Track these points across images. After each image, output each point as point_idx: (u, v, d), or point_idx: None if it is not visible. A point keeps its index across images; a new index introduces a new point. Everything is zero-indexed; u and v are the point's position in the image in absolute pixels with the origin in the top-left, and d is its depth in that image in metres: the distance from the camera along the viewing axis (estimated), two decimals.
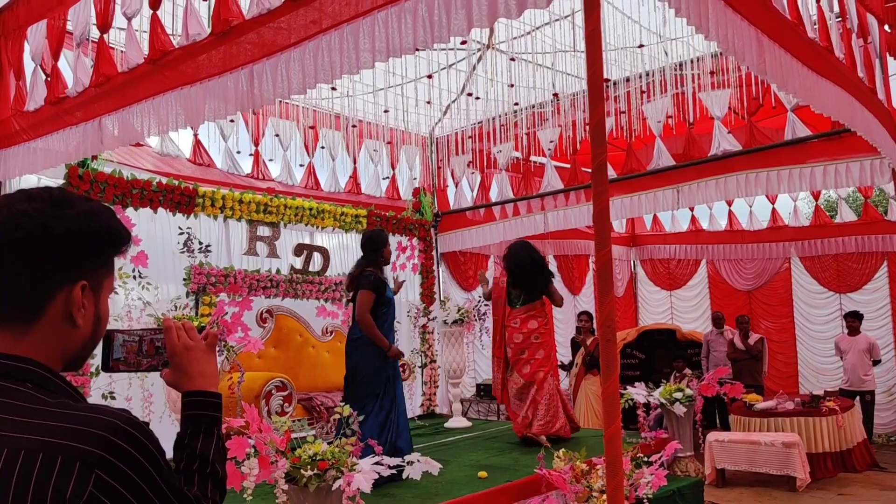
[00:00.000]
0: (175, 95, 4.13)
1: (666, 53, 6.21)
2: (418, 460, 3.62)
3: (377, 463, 3.35)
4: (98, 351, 1.31)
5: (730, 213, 11.67)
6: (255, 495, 3.43)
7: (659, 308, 12.88)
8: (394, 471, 3.52)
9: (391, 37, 3.16)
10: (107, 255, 1.22)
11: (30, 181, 5.80)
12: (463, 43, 5.72)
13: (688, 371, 9.27)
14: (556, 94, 6.72)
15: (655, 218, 12.47)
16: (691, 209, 11.79)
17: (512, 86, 6.38)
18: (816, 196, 10.80)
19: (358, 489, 3.19)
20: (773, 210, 11.27)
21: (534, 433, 6.09)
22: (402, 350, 5.35)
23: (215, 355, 1.41)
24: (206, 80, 3.96)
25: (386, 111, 7.25)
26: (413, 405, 8.07)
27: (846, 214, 10.84)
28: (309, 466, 3.27)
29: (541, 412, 6.17)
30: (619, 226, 12.46)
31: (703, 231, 12.02)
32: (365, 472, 3.23)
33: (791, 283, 11.42)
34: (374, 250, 5.14)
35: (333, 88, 6.66)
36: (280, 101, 7.12)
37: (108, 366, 1.36)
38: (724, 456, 7.43)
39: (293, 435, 3.59)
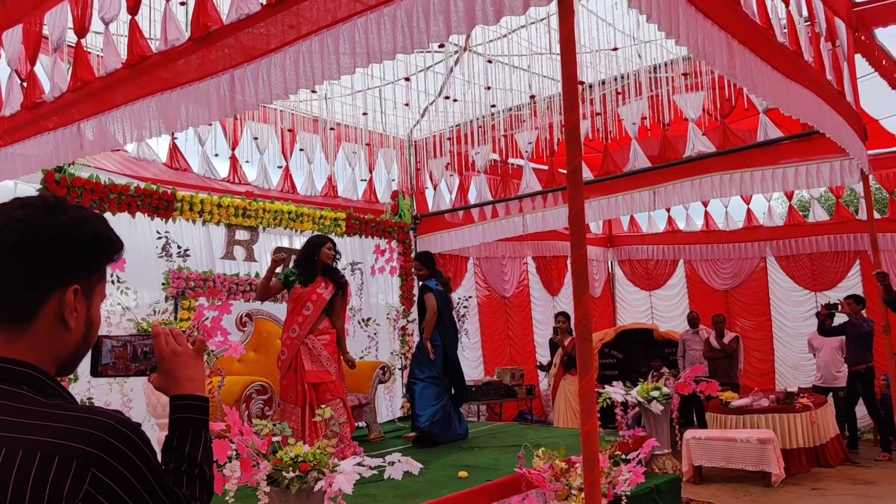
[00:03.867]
0: (154, 101, 4.13)
1: (640, 56, 6.30)
2: (399, 460, 3.66)
3: (359, 464, 3.38)
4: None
5: (706, 213, 11.83)
6: (238, 498, 3.44)
7: (639, 308, 13.02)
8: (375, 471, 3.55)
9: (371, 42, 3.19)
10: (99, 261, 1.25)
11: (6, 187, 5.77)
12: (441, 46, 5.77)
13: (665, 370, 9.39)
14: (532, 97, 6.80)
15: (632, 219, 12.60)
16: (668, 210, 11.94)
17: (489, 88, 6.44)
18: (790, 196, 10.97)
19: (340, 490, 3.22)
20: (749, 210, 11.44)
21: None
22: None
23: (202, 360, 1.44)
24: (185, 85, 3.97)
25: (364, 114, 7.29)
26: (394, 407, 8.11)
27: (819, 214, 11.03)
28: (291, 468, 3.29)
29: None
30: (595, 227, 12.58)
31: (680, 231, 12.18)
32: (346, 473, 3.26)
33: (767, 282, 11.61)
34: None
35: (313, 91, 6.68)
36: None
37: (97, 371, 1.39)
38: (701, 453, 7.54)
39: (274, 438, 3.62)
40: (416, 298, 6.59)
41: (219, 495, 3.32)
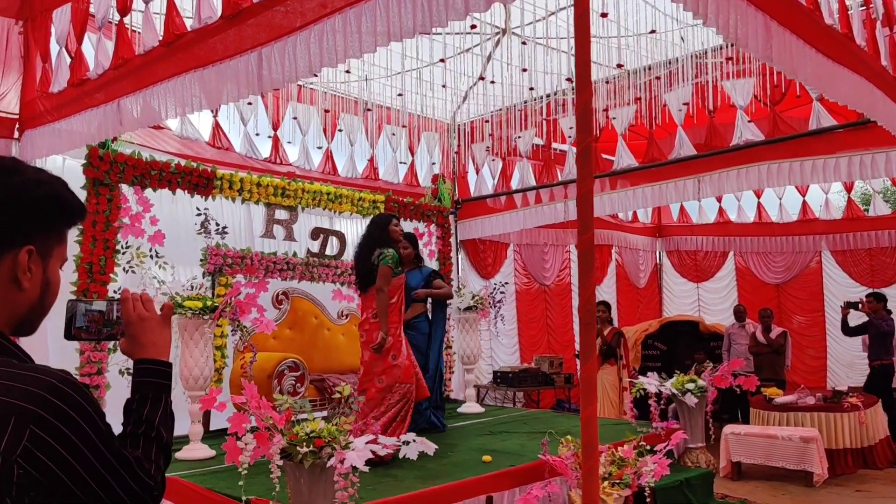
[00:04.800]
0: (188, 78, 4.20)
1: (683, 39, 6.12)
2: (414, 440, 3.66)
3: (372, 441, 3.40)
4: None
5: (759, 205, 11.51)
6: (254, 471, 3.50)
7: (686, 300, 12.77)
8: (390, 450, 3.57)
9: (392, 20, 3.18)
10: (55, 223, 1.27)
11: (54, 162, 5.97)
12: (472, 27, 5.71)
13: (708, 363, 9.18)
14: (569, 80, 6.68)
15: (682, 209, 12.36)
16: (719, 200, 11.66)
17: (525, 70, 6.35)
18: (849, 188, 10.59)
19: (351, 466, 3.25)
20: (804, 202, 11.09)
21: None
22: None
23: (169, 327, 1.46)
24: (217, 63, 4.03)
25: (400, 94, 7.27)
26: None
27: (880, 207, 10.61)
28: (305, 443, 3.33)
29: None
30: (644, 216, 12.37)
31: (731, 223, 11.88)
32: (358, 450, 3.28)
33: (822, 277, 11.25)
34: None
35: (347, 72, 6.71)
36: (299, 86, 7.19)
37: (70, 334, 1.42)
38: (740, 449, 7.36)
39: (300, 416, 3.65)
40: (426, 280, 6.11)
41: (237, 466, 3.39)
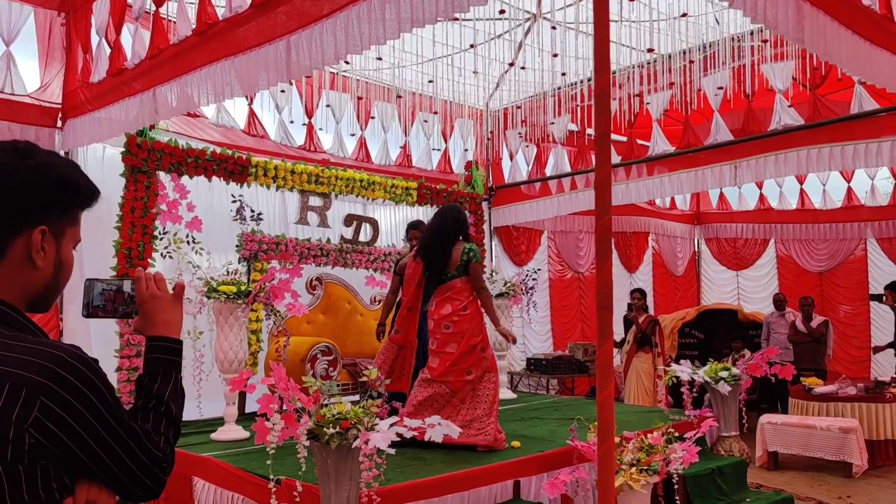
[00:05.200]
0: (220, 66, 4.29)
1: (717, 22, 6.01)
2: (439, 423, 3.70)
3: (396, 423, 3.45)
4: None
5: (801, 191, 11.26)
6: (285, 452, 3.58)
7: (725, 288, 12.58)
8: (415, 433, 3.61)
9: (415, 6, 3.20)
10: (67, 205, 1.32)
11: (95, 150, 6.13)
12: (501, 12, 5.69)
13: (746, 352, 9.06)
14: None
15: (722, 196, 12.16)
16: (759, 186, 11.44)
17: (556, 55, 6.30)
18: None
19: (376, 447, 3.30)
20: (849, 188, 10.83)
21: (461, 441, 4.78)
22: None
23: (181, 306, 1.51)
24: (247, 51, 4.11)
25: (430, 81, 7.28)
26: None
27: None
28: (332, 425, 3.39)
29: (461, 417, 4.95)
30: (682, 203, 12.20)
31: (772, 210, 11.65)
32: (383, 432, 3.33)
33: (867, 265, 10.99)
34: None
35: (379, 59, 6.74)
36: (332, 73, 7.25)
37: (89, 312, 1.48)
38: (777, 439, 7.26)
39: (332, 399, 3.71)
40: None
41: (266, 447, 3.47)
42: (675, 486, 4.81)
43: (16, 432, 1.10)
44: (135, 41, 5.09)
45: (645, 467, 4.38)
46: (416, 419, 4.17)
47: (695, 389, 5.96)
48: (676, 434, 4.67)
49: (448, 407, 5.00)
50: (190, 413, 5.78)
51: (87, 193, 1.35)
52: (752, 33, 6.31)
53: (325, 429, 3.39)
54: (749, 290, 12.27)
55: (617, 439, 4.62)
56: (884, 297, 8.59)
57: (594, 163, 2.39)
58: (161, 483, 1.31)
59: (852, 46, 3.86)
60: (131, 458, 1.24)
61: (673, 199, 11.78)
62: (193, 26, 4.41)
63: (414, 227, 6.01)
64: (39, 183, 1.25)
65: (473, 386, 5.05)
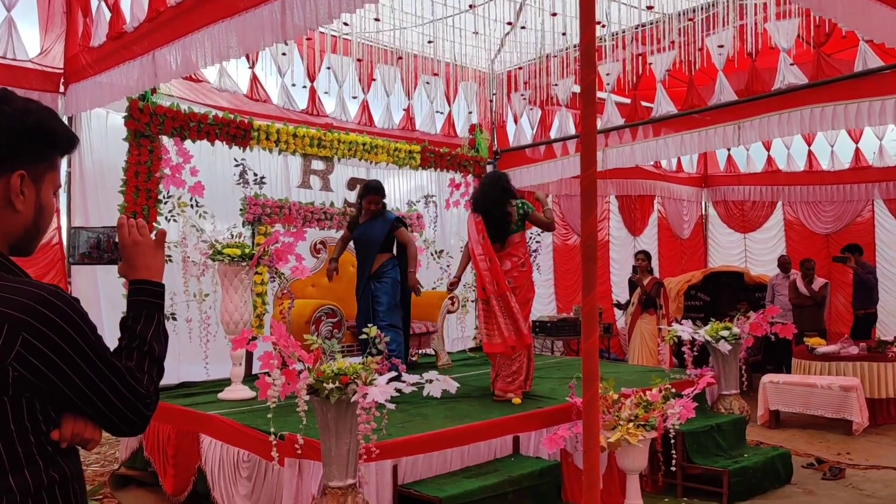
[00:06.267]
0: (217, 28, 4.30)
1: None
2: (437, 378, 3.78)
3: (394, 378, 3.53)
4: None
5: (809, 152, 11.21)
6: (289, 410, 3.67)
7: (732, 251, 12.58)
8: (414, 388, 3.69)
9: None
10: (45, 150, 1.36)
11: (99, 115, 6.17)
12: None
13: (751, 314, 9.09)
14: (600, 24, 6.52)
15: (730, 158, 12.11)
16: (767, 148, 11.37)
17: (555, 14, 6.25)
18: None
19: (374, 402, 3.38)
20: (857, 149, 10.75)
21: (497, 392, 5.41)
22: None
23: (163, 251, 1.56)
24: (244, 12, 4.12)
25: (430, 42, 7.24)
26: (465, 338, 8.28)
27: None
28: (331, 380, 3.47)
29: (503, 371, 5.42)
30: (689, 166, 12.15)
31: (780, 172, 11.60)
32: (381, 387, 3.41)
33: (874, 226, 10.96)
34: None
35: (377, 20, 6.70)
36: (334, 36, 7.22)
37: (76, 259, 1.54)
38: (778, 398, 7.33)
39: (337, 359, 3.78)
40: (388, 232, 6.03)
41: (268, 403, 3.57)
42: (673, 442, 4.90)
43: None
44: (133, 4, 5.10)
45: (642, 423, 4.46)
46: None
47: (696, 349, 6.02)
48: (675, 391, 4.74)
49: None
50: (197, 374, 5.91)
51: (65, 139, 1.39)
52: None
53: (324, 384, 3.47)
54: (756, 252, 12.27)
55: (615, 396, 4.71)
56: (847, 260, 8.92)
57: (581, 113, 2.41)
58: (145, 419, 1.36)
59: (848, 1, 3.83)
60: (115, 394, 1.30)
61: (680, 161, 11.73)
62: None
63: (377, 190, 6.04)
64: (16, 128, 1.29)
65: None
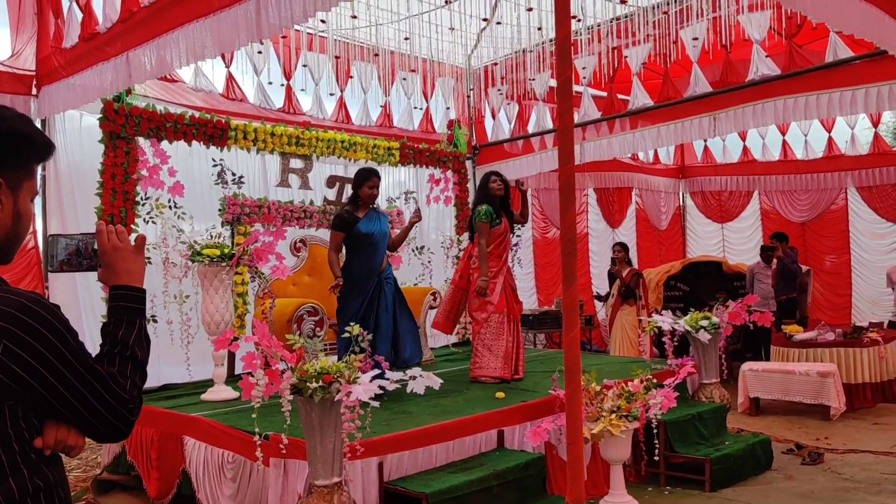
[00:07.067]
0: (192, 28, 4.28)
1: None
2: (420, 375, 3.79)
3: (378, 376, 3.53)
4: None
5: (784, 142, 11.34)
6: (273, 410, 3.66)
7: (710, 241, 12.73)
8: (398, 385, 3.70)
9: None
10: (21, 157, 1.35)
11: (72, 116, 6.10)
12: None
13: (731, 302, 9.19)
14: (575, 17, 6.57)
15: (706, 149, 12.23)
16: (742, 138, 11.49)
17: (530, 9, 6.28)
18: (876, 122, 10.35)
19: (358, 400, 3.39)
20: (830, 139, 10.90)
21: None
22: (339, 282, 5.42)
23: (143, 256, 1.56)
24: (219, 11, 4.09)
25: (406, 38, 7.24)
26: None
27: None
28: (314, 379, 3.47)
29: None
30: (666, 157, 12.25)
31: (756, 162, 11.74)
32: (364, 385, 3.41)
33: (847, 214, 11.12)
34: (354, 186, 5.66)
35: (354, 17, 6.69)
36: (310, 34, 7.19)
37: (55, 266, 1.53)
38: (758, 385, 7.43)
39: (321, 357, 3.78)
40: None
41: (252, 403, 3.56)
42: (656, 432, 4.96)
43: None
44: (106, 5, 5.04)
45: (625, 413, 4.51)
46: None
47: (676, 339, 6.08)
48: (656, 381, 4.79)
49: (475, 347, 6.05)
50: (180, 375, 5.87)
51: (42, 146, 1.38)
52: None
53: (308, 383, 3.47)
54: (734, 241, 12.42)
55: (598, 388, 4.75)
56: (775, 249, 9.21)
57: (558, 110, 2.43)
58: (129, 424, 1.36)
59: None
60: (98, 400, 1.30)
61: (657, 153, 11.83)
62: None
63: (377, 173, 5.76)
64: None
65: (481, 327, 5.97)
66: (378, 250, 5.55)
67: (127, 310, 1.46)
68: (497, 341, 5.86)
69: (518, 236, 7.62)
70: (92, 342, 1.36)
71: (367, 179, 5.55)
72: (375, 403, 3.53)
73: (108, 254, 1.50)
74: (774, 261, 9.46)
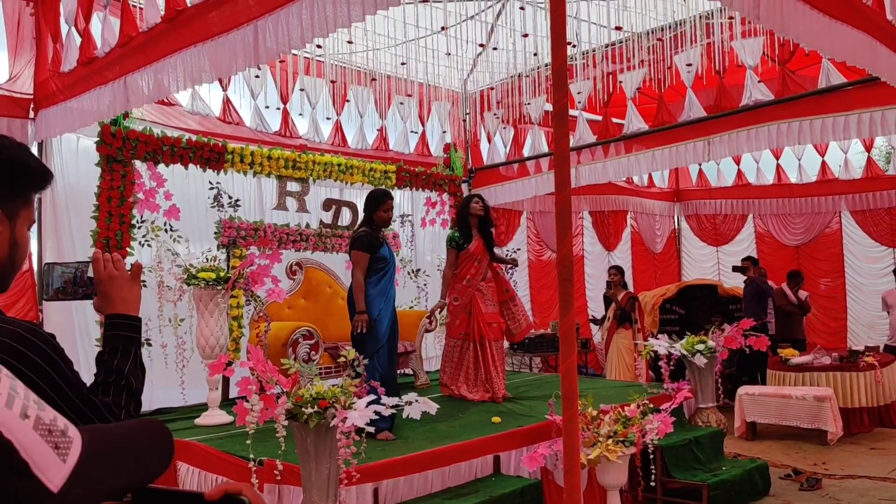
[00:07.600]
0: (190, 53, 4.30)
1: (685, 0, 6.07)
2: (416, 401, 3.77)
3: (374, 402, 3.51)
4: None
5: (777, 166, 11.40)
6: (268, 435, 3.64)
7: (705, 264, 12.74)
8: (394, 410, 3.68)
9: None
10: (19, 186, 1.34)
11: (69, 140, 6.11)
12: None
13: (726, 326, 9.18)
14: (570, 44, 6.63)
15: (701, 172, 12.29)
16: (737, 162, 11.56)
17: (526, 35, 6.34)
18: (869, 147, 10.44)
19: (353, 425, 3.36)
20: (823, 163, 10.98)
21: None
22: (368, 320, 5.04)
23: (139, 285, 1.55)
24: (216, 36, 4.12)
25: (403, 63, 7.30)
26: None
27: None
28: (310, 405, 3.45)
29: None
30: (660, 181, 12.30)
31: (750, 185, 11.79)
32: (360, 410, 3.39)
33: (841, 237, 11.16)
34: (368, 210, 5.32)
35: (350, 42, 6.74)
36: (307, 58, 7.24)
37: (50, 295, 1.52)
38: (754, 409, 7.41)
39: (319, 383, 3.76)
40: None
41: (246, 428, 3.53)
42: (652, 457, 4.93)
43: None
44: (104, 29, 5.07)
45: (622, 439, 4.48)
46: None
47: (672, 363, 6.07)
48: (653, 406, 4.76)
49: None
50: (174, 399, 5.83)
51: (39, 175, 1.37)
52: (721, 10, 6.37)
53: (303, 409, 3.45)
54: (729, 265, 12.41)
55: (594, 412, 4.73)
56: (746, 269, 9.29)
57: (554, 136, 2.44)
58: None
59: (809, 20, 3.92)
60: None
61: (651, 177, 11.89)
62: (162, 13, 4.41)
63: (391, 195, 5.54)
64: None
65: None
66: (392, 273, 5.35)
67: (122, 339, 1.45)
68: (456, 364, 6.16)
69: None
70: (87, 365, 1.35)
71: (382, 203, 5.26)
72: (371, 429, 3.51)
73: (104, 282, 1.49)
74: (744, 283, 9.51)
